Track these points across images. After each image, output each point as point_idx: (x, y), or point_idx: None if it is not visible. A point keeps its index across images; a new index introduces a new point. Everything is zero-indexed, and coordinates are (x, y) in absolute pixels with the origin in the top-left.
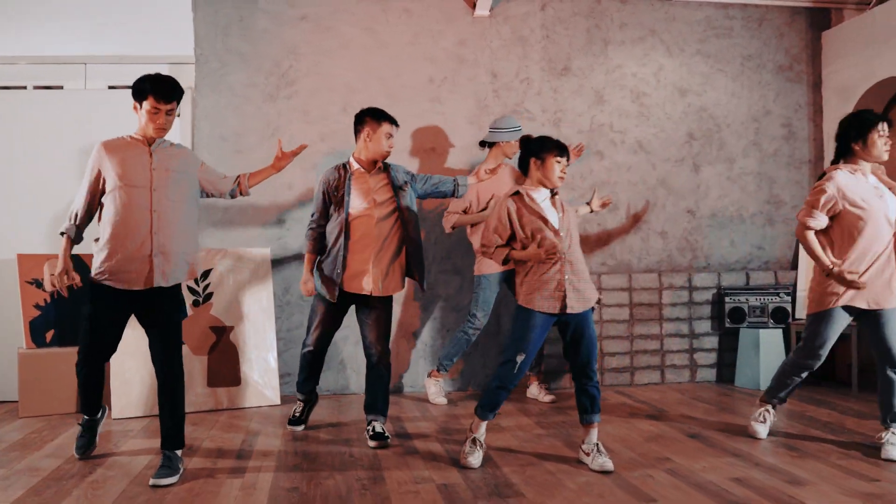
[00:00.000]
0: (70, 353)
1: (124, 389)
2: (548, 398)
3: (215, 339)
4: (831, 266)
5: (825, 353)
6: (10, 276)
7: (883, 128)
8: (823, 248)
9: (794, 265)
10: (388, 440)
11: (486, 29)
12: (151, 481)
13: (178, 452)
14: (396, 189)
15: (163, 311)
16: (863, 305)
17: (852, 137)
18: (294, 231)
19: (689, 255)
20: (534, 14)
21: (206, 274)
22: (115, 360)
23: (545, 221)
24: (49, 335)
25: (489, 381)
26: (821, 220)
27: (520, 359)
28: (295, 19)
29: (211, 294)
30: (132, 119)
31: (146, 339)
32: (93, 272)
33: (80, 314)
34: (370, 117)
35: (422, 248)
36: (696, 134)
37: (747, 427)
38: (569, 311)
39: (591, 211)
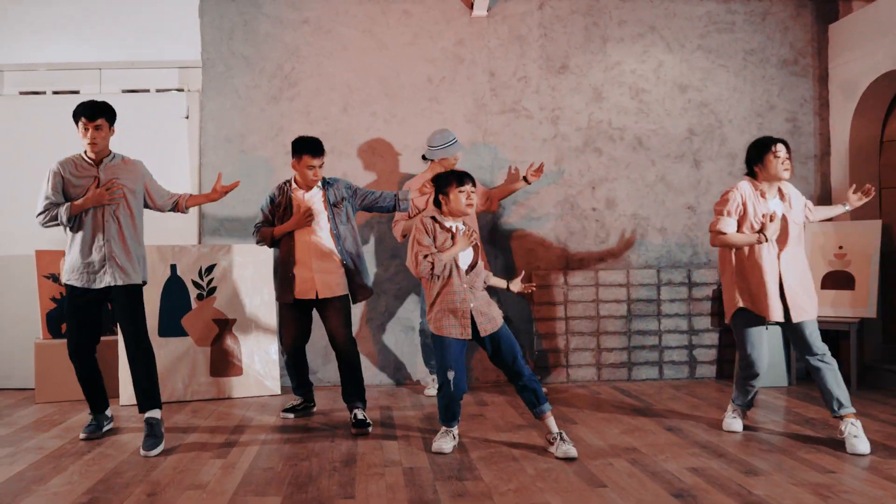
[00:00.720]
0: None
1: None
2: None
3: (218, 331)
4: (759, 233)
5: (758, 358)
6: (29, 271)
7: (779, 149)
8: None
9: None
10: (370, 427)
11: (483, 29)
12: (142, 453)
13: (158, 414)
14: (331, 206)
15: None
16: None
17: (753, 161)
18: None
19: (689, 252)
20: (531, 13)
21: (210, 269)
22: (123, 350)
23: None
24: (64, 326)
25: (439, 400)
26: (731, 225)
27: (451, 376)
28: (297, 22)
29: (214, 288)
30: (145, 121)
31: (153, 331)
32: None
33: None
34: (293, 150)
35: (361, 259)
36: (697, 130)
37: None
38: (482, 334)
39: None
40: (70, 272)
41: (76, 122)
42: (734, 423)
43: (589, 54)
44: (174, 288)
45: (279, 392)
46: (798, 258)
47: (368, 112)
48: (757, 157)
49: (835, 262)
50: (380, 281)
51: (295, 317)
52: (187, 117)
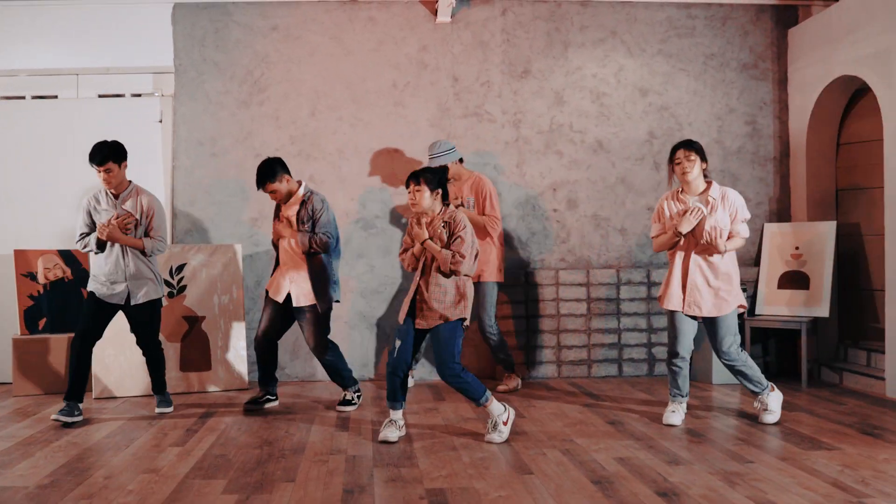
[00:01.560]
0: (60, 340)
1: (104, 373)
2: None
3: (188, 327)
4: (675, 227)
5: (681, 345)
6: (7, 269)
7: (677, 156)
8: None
9: (757, 262)
10: (353, 406)
11: (447, 35)
12: (157, 410)
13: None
14: (298, 222)
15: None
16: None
17: (669, 168)
18: (265, 228)
19: (648, 252)
20: (494, 19)
21: (180, 268)
22: (96, 347)
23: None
24: (41, 323)
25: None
26: (657, 230)
27: (397, 344)
28: (266, 29)
29: (185, 286)
30: (119, 124)
31: (124, 329)
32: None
33: (70, 304)
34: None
35: (324, 269)
36: (657, 132)
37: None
38: (416, 326)
39: None
40: (93, 282)
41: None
42: (672, 416)
43: (551, 59)
44: None
45: (247, 386)
46: (712, 260)
47: (335, 116)
48: (669, 164)
49: (791, 262)
50: (346, 279)
51: (270, 311)
52: (161, 121)
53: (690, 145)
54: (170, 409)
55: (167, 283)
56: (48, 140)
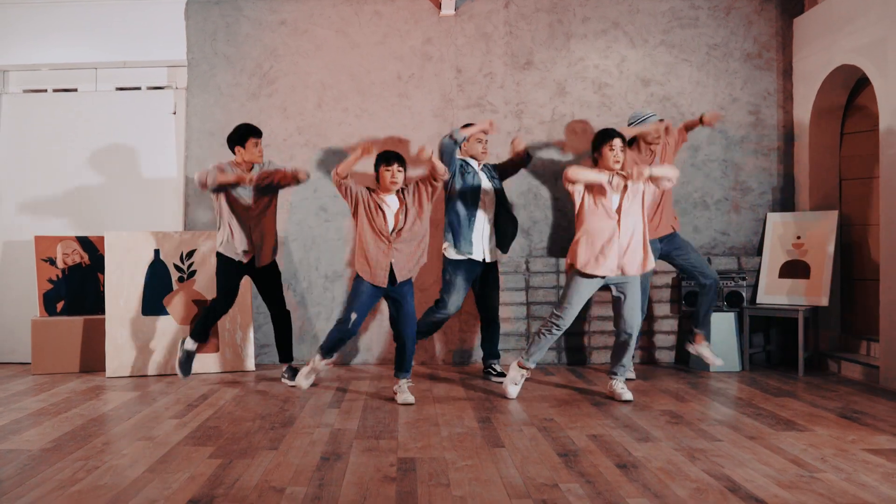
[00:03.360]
0: (76, 322)
1: (116, 353)
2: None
3: (198, 311)
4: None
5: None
6: (28, 254)
7: (615, 143)
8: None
9: (759, 251)
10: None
11: (451, 27)
12: (287, 383)
13: (293, 364)
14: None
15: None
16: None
17: (593, 150)
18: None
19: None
20: (497, 11)
21: (190, 254)
22: (109, 329)
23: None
24: (60, 305)
25: (330, 333)
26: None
27: (353, 317)
28: (275, 24)
29: (195, 272)
30: (135, 117)
31: (136, 311)
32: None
33: (87, 288)
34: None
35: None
36: None
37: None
38: (399, 282)
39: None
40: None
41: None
42: (513, 389)
43: (553, 50)
44: (157, 271)
45: (254, 369)
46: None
47: (340, 108)
48: (597, 146)
49: (793, 251)
50: (347, 267)
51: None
52: (174, 113)
53: (623, 138)
54: (293, 382)
55: (177, 268)
56: (68, 131)
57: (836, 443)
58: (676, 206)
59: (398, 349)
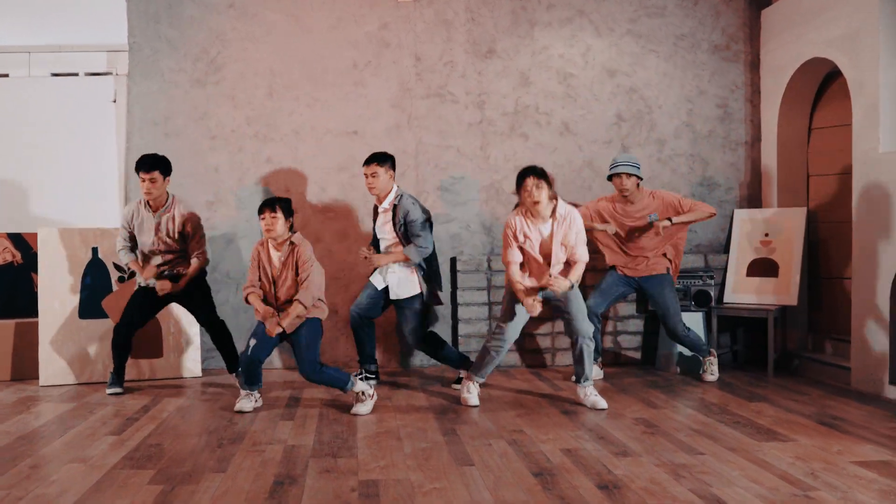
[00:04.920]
0: (7, 325)
1: (50, 360)
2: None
3: None
4: (523, 290)
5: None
6: None
7: (527, 183)
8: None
9: (726, 249)
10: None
11: (409, 12)
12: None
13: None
14: None
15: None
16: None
17: (516, 188)
18: (220, 212)
19: None
20: None
21: None
22: (43, 333)
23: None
24: None
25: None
26: (517, 255)
27: (251, 343)
28: (222, 6)
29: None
30: (72, 105)
31: (73, 314)
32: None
33: (19, 289)
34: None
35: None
36: (626, 115)
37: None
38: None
39: None
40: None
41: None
42: (470, 397)
43: (516, 38)
44: (95, 271)
45: (200, 374)
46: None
47: (292, 97)
48: (517, 186)
49: (760, 249)
50: None
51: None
52: (115, 101)
53: (539, 173)
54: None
55: (118, 268)
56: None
57: (821, 454)
58: None
59: None
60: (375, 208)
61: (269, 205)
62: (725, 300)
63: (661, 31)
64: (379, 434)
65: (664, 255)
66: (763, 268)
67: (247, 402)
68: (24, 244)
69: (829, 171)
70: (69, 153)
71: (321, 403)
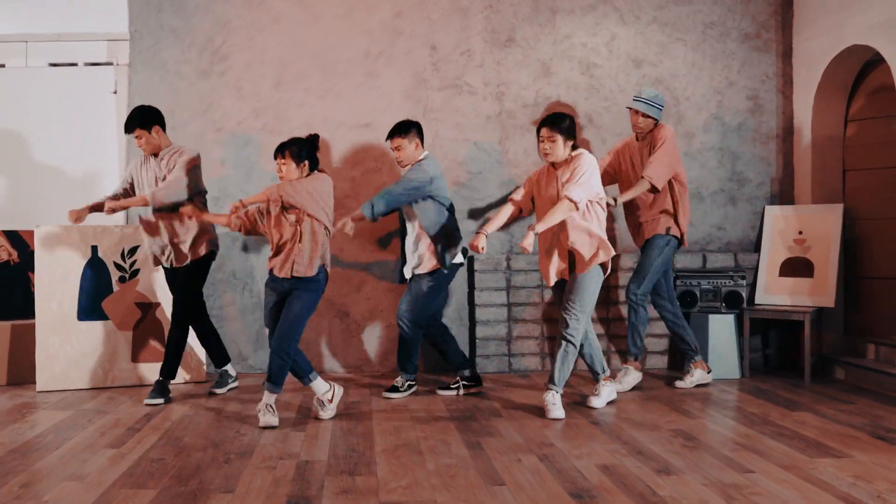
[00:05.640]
0: (3, 327)
1: (48, 363)
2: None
3: (141, 315)
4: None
5: None
6: None
7: (541, 133)
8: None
9: (757, 247)
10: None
11: (424, 0)
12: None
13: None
14: None
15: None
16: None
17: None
18: (226, 208)
19: None
20: None
21: (133, 250)
22: (40, 335)
23: None
24: None
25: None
26: (518, 194)
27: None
28: None
29: (138, 270)
30: (71, 96)
31: (71, 315)
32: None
33: (16, 288)
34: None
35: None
36: None
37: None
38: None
39: None
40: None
41: None
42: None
43: (537, 27)
44: (95, 270)
45: (204, 379)
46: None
47: (301, 88)
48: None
49: (794, 248)
50: None
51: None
52: (115, 92)
53: (554, 123)
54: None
55: (118, 267)
56: None
57: (884, 473)
58: None
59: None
60: None
61: (280, 150)
62: (757, 301)
63: (688, 19)
64: (398, 447)
65: (664, 211)
66: (797, 267)
67: (272, 416)
68: (20, 242)
69: (867, 165)
70: (68, 146)
71: (333, 415)
